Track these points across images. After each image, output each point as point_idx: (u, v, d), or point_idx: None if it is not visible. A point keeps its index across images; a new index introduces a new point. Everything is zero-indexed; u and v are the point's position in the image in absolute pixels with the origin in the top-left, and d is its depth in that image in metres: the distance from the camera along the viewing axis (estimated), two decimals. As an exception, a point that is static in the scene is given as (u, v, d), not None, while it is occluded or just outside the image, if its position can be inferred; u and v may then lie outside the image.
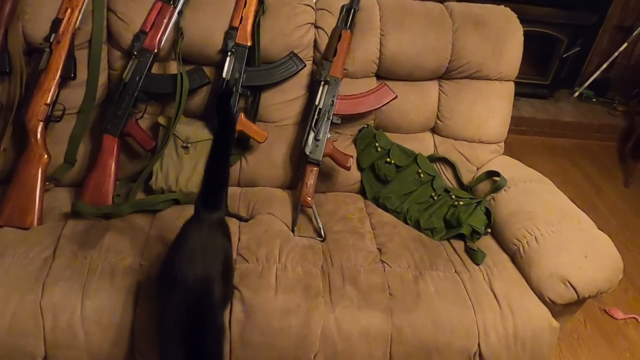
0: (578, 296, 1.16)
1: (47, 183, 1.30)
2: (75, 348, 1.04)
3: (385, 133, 1.52)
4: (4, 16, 1.27)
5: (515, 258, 1.28)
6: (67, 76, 1.31)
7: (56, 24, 1.30)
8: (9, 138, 1.29)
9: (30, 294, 1.04)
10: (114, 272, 1.11)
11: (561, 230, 1.24)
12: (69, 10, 1.31)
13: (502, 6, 1.57)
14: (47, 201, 1.28)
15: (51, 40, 1.30)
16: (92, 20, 1.35)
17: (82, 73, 1.35)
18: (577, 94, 3.22)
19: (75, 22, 1.31)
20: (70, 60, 1.31)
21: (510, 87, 1.56)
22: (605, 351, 1.71)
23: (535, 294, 1.20)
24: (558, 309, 1.20)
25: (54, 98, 1.29)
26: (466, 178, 1.53)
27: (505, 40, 1.51)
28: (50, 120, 1.30)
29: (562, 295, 1.17)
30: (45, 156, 1.28)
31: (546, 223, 1.26)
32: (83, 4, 1.32)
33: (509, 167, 1.50)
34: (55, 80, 1.29)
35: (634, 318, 1.84)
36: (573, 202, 1.37)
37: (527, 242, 1.25)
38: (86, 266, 1.11)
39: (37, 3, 1.32)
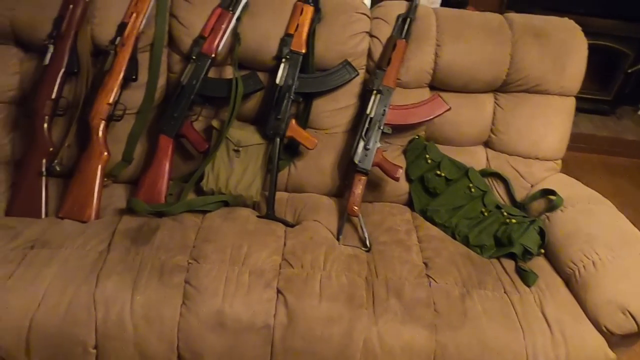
0: (638, 327, 1.09)
1: (106, 179, 1.36)
2: (124, 340, 1.07)
3: (436, 145, 1.49)
4: (75, 19, 1.35)
5: (570, 282, 1.21)
6: (129, 78, 1.37)
7: (122, 27, 1.36)
8: (74, 135, 1.36)
9: (85, 285, 1.09)
10: (163, 269, 1.13)
11: (622, 256, 1.17)
12: (134, 14, 1.37)
13: (566, 18, 1.51)
14: (105, 197, 1.33)
15: (116, 43, 1.36)
16: (155, 24, 1.40)
17: (143, 75, 1.41)
18: (641, 111, 3.05)
19: (140, 26, 1.37)
20: (133, 62, 1.37)
21: (571, 103, 1.50)
22: (664, 387, 1.60)
23: (591, 321, 1.13)
24: (615, 340, 1.13)
25: (116, 98, 1.35)
26: (519, 195, 1.47)
27: (568, 54, 1.45)
28: (111, 119, 1.35)
29: (620, 325, 1.10)
30: (106, 153, 1.33)
31: (606, 247, 1.19)
32: (147, 8, 1.38)
33: (566, 186, 1.44)
34: (118, 81, 1.35)
35: (698, 354, 1.71)
36: (634, 225, 1.29)
37: (584, 266, 1.19)
38: (138, 261, 1.15)
39: (106, 7, 1.39)
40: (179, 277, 1.12)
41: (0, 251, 1.13)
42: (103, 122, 1.34)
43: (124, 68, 1.35)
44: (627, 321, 1.09)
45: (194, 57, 1.38)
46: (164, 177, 1.36)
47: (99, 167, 1.32)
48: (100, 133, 1.34)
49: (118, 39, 1.36)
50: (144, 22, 1.38)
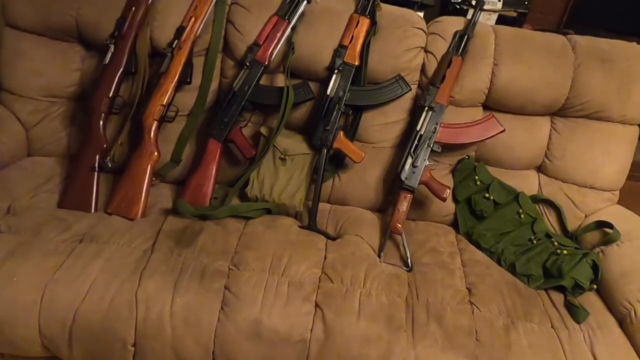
0: (698, 379, 1.02)
1: (154, 179, 1.39)
2: (162, 340, 1.08)
3: (487, 166, 1.45)
4: (137, 21, 1.38)
5: (624, 323, 1.15)
6: (184, 80, 1.39)
7: (180, 31, 1.39)
8: (127, 133, 1.39)
9: (128, 282, 1.10)
10: (204, 273, 1.14)
11: (684, 300, 1.10)
12: (192, 19, 1.39)
13: (634, 43, 1.44)
14: (152, 195, 1.35)
15: (174, 46, 1.38)
16: (212, 29, 1.42)
17: (197, 78, 1.43)
18: None
19: (197, 31, 1.39)
20: (188, 65, 1.39)
21: (634, 132, 1.43)
22: None
23: (646, 367, 1.07)
24: (671, 389, 1.06)
25: (170, 100, 1.37)
26: (572, 225, 1.41)
27: (635, 81, 1.38)
28: (163, 120, 1.38)
29: (679, 375, 1.03)
30: (156, 153, 1.36)
31: (666, 289, 1.12)
32: (206, 14, 1.40)
33: (624, 220, 1.36)
34: (173, 84, 1.37)
35: None
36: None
37: (640, 307, 1.12)
38: (180, 263, 1.16)
39: (166, 11, 1.42)
40: (219, 282, 1.13)
41: (51, 242, 1.16)
42: (155, 122, 1.36)
43: (179, 71, 1.37)
44: (687, 371, 1.02)
45: (247, 64, 1.39)
46: (210, 180, 1.37)
47: (149, 166, 1.35)
48: (152, 133, 1.36)
49: (175, 42, 1.38)
50: (201, 26, 1.40)
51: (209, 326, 1.08)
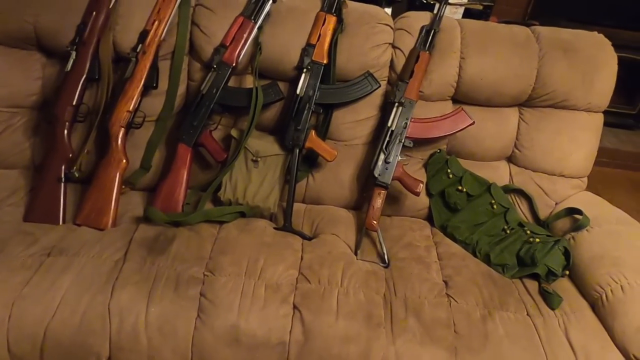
0: (670, 357, 1.05)
1: (123, 187, 1.35)
2: (138, 352, 1.06)
3: (458, 159, 1.46)
4: (98, 26, 1.35)
5: (596, 306, 1.17)
6: (150, 85, 1.36)
7: (144, 35, 1.36)
8: (93, 141, 1.35)
9: (100, 294, 1.08)
10: (179, 281, 1.12)
11: (652, 281, 1.13)
12: (156, 22, 1.36)
13: (595, 33, 1.47)
14: (122, 204, 1.32)
15: (138, 50, 1.35)
16: (177, 32, 1.40)
17: (163, 83, 1.40)
18: (667, 126, 2.97)
19: (161, 34, 1.37)
20: (154, 70, 1.37)
21: (599, 119, 1.46)
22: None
23: (618, 348, 1.09)
24: (643, 368, 1.09)
25: (136, 106, 1.34)
26: (543, 213, 1.43)
27: (597, 70, 1.41)
28: (131, 126, 1.35)
29: (650, 354, 1.05)
30: (124, 161, 1.33)
31: (635, 271, 1.15)
32: (170, 16, 1.37)
33: (593, 205, 1.39)
34: (139, 89, 1.34)
35: None
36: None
37: (611, 290, 1.14)
38: (153, 272, 1.13)
39: (128, 15, 1.39)
40: (195, 289, 1.11)
41: (18, 257, 1.13)
42: (122, 129, 1.33)
43: (144, 76, 1.35)
44: (658, 350, 1.05)
45: (214, 66, 1.37)
46: (182, 186, 1.35)
47: (117, 174, 1.31)
48: (120, 140, 1.33)
49: (140, 46, 1.35)
50: (165, 29, 1.37)
51: (185, 335, 1.06)
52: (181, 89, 1.43)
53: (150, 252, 1.18)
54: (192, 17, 1.41)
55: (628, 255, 1.20)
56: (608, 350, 1.09)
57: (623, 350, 1.08)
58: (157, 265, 1.15)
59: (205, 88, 1.37)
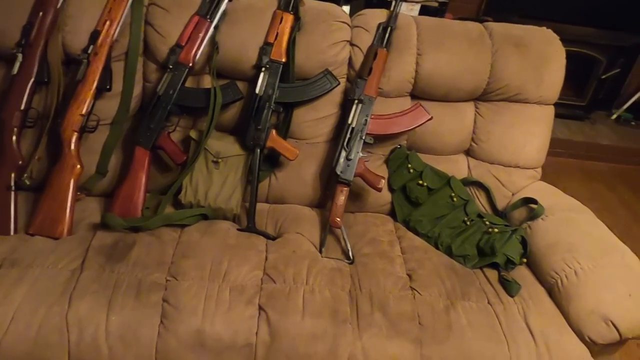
0: (620, 337, 1.10)
1: (79, 193, 1.31)
2: (99, 363, 1.03)
3: (418, 154, 1.48)
4: (46, 27, 1.30)
5: (552, 292, 1.22)
6: (103, 87, 1.32)
7: (95, 35, 1.31)
8: (44, 147, 1.30)
9: (57, 306, 1.04)
10: (140, 288, 1.09)
11: (603, 265, 1.18)
12: (107, 22, 1.32)
13: (544, 28, 1.53)
14: (78, 211, 1.28)
15: (89, 51, 1.31)
16: (130, 32, 1.36)
17: (118, 85, 1.36)
18: (615, 116, 3.12)
19: (113, 35, 1.33)
20: (107, 71, 1.32)
21: (550, 112, 1.51)
22: (643, 391, 1.62)
23: (574, 331, 1.14)
24: (597, 349, 1.14)
25: (89, 109, 1.30)
26: (501, 204, 1.47)
27: (547, 63, 1.46)
28: (84, 130, 1.30)
29: (603, 335, 1.10)
30: (78, 166, 1.28)
31: (587, 257, 1.20)
32: (122, 16, 1.33)
33: (547, 195, 1.44)
34: (91, 92, 1.30)
35: (674, 357, 1.74)
36: (610, 230, 1.31)
37: (566, 275, 1.19)
38: (113, 280, 1.10)
39: (77, 15, 1.34)
40: (157, 295, 1.08)
41: (-35, 272, 1.07)
42: (75, 133, 1.29)
43: (97, 78, 1.30)
44: (610, 331, 1.10)
45: (170, 66, 1.34)
46: (140, 190, 1.32)
47: (72, 180, 1.27)
48: (73, 145, 1.29)
49: (91, 47, 1.31)
50: (118, 30, 1.33)
51: (149, 342, 1.04)
52: (136, 91, 1.40)
53: (109, 259, 1.15)
54: (146, 16, 1.38)
55: (580, 241, 1.25)
56: (564, 333, 1.13)
57: (578, 333, 1.13)
58: (117, 272, 1.12)
59: (161, 89, 1.34)
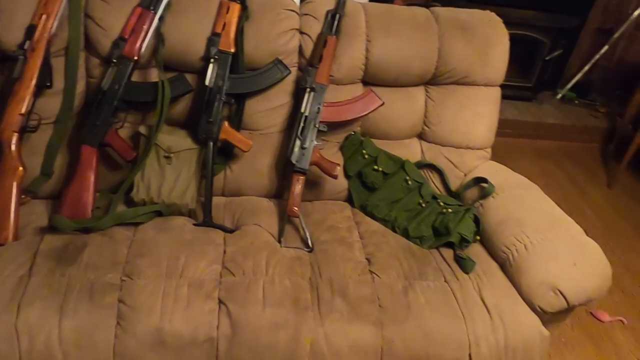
0: (568, 304, 1.15)
1: (23, 196, 1.25)
2: (54, 370, 0.99)
3: (372, 140, 1.50)
4: None
5: (505, 266, 1.26)
6: (43, 85, 1.26)
7: (30, 30, 1.25)
8: (-18, 150, 1.24)
9: (4, 314, 0.99)
10: (93, 290, 1.06)
11: (550, 238, 1.23)
12: (44, 16, 1.26)
13: (488, 11, 1.57)
14: (23, 215, 1.22)
15: (25, 47, 1.24)
16: (69, 26, 1.30)
17: (59, 81, 1.30)
18: (559, 96, 3.25)
19: (51, 29, 1.27)
20: (46, 68, 1.27)
21: (496, 93, 1.56)
22: (593, 354, 1.72)
23: (526, 302, 1.19)
24: (548, 318, 1.19)
25: (29, 108, 1.24)
26: (454, 185, 1.51)
27: (492, 46, 1.50)
28: (25, 130, 1.24)
29: (552, 304, 1.16)
30: (21, 168, 1.23)
31: (535, 230, 1.25)
32: (59, 9, 1.27)
33: (497, 173, 1.49)
34: (30, 90, 1.24)
35: (620, 320, 1.85)
36: (558, 204, 1.37)
37: (516, 250, 1.24)
38: (64, 284, 1.06)
39: (10, 9, 1.27)
40: (112, 296, 1.06)
41: None
42: (16, 134, 1.23)
43: (36, 75, 1.24)
44: (558, 299, 1.15)
45: (114, 60, 1.29)
46: (89, 190, 1.27)
47: (14, 183, 1.21)
48: (13, 146, 1.22)
49: (27, 43, 1.24)
50: (55, 24, 1.27)
51: (105, 345, 1.01)
52: (80, 87, 1.34)
53: (59, 263, 1.11)
54: (85, 9, 1.32)
55: (528, 216, 1.30)
56: (517, 305, 1.18)
57: (530, 303, 1.18)
58: (68, 276, 1.08)
59: (106, 84, 1.29)
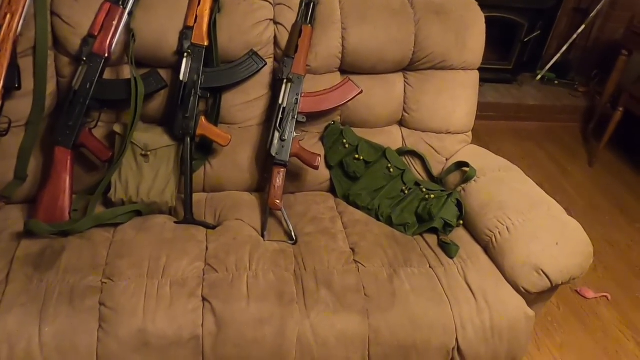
0: (551, 284, 1.17)
1: (-3, 202, 1.23)
2: (36, 377, 0.98)
3: (353, 129, 1.49)
4: None
5: (488, 249, 1.27)
6: (11, 86, 1.23)
7: (-5, 31, 1.21)
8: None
9: (-18, 324, 0.97)
10: (73, 294, 1.04)
11: (532, 219, 1.24)
12: (8, 15, 1.22)
13: (463, -6, 1.56)
14: (-2, 221, 1.20)
15: (-10, 48, 1.21)
16: (35, 25, 1.26)
17: (28, 82, 1.27)
18: (539, 77, 3.26)
19: (17, 28, 1.22)
20: (14, 69, 1.23)
21: (475, 76, 1.55)
22: (579, 331, 1.74)
23: (510, 284, 1.20)
24: (532, 298, 1.20)
25: (-2, 111, 1.21)
26: (436, 170, 1.51)
27: (468, 29, 1.49)
28: (-5, 134, 1.21)
29: (535, 284, 1.17)
30: (-8, 173, 1.19)
31: (517, 212, 1.26)
32: (24, 8, 1.23)
33: (478, 157, 1.50)
34: (-2, 92, 1.20)
35: (605, 296, 1.88)
36: (541, 184, 1.39)
37: (499, 232, 1.24)
38: (42, 289, 1.04)
39: (-28, 9, 1.22)
40: (92, 299, 1.04)
41: None
42: (-15, 139, 1.19)
43: (2, 76, 1.20)
44: (542, 279, 1.16)
45: (84, 59, 1.26)
46: (65, 192, 1.24)
47: (-13, 189, 1.18)
48: (-17, 151, 1.19)
49: (-8, 44, 1.21)
50: (21, 23, 1.23)
51: (88, 349, 1.00)
52: (50, 87, 1.30)
53: (36, 268, 1.09)
54: (51, 7, 1.28)
55: (510, 198, 1.31)
56: (501, 286, 1.19)
57: (514, 285, 1.19)
58: (47, 281, 1.06)
59: (77, 83, 1.26)
